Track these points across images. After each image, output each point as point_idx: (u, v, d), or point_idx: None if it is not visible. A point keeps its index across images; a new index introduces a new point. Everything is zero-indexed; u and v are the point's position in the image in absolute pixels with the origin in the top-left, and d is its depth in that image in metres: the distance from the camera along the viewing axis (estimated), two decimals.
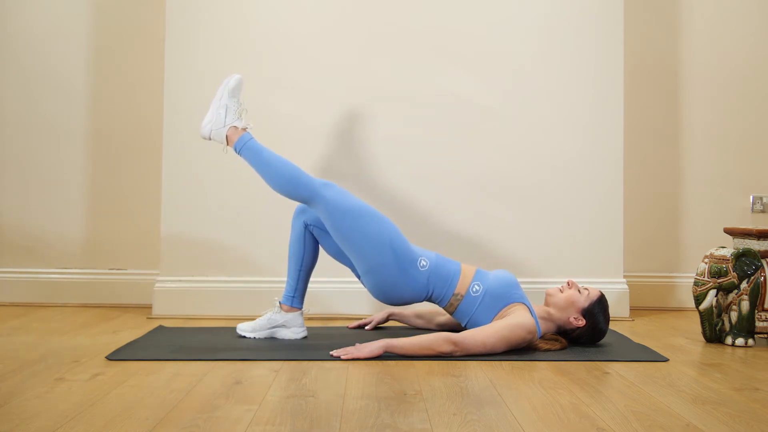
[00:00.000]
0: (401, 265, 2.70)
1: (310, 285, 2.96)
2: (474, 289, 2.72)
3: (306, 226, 2.89)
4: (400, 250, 2.71)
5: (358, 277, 2.82)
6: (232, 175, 3.47)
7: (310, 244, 2.90)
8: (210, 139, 2.85)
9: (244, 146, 2.79)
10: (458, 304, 2.73)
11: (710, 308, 2.89)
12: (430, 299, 2.78)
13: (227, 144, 2.84)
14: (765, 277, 2.86)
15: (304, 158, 3.49)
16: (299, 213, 2.91)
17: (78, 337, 2.87)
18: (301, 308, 2.90)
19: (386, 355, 2.53)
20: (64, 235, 3.77)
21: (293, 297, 2.89)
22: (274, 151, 2.83)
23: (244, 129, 2.83)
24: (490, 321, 2.68)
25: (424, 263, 2.74)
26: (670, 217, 3.89)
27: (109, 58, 3.78)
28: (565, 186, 3.54)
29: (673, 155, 3.89)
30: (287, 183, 2.77)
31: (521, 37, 3.55)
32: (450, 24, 3.53)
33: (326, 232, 2.87)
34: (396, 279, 2.70)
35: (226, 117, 2.80)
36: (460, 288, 2.73)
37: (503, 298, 2.69)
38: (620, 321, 3.44)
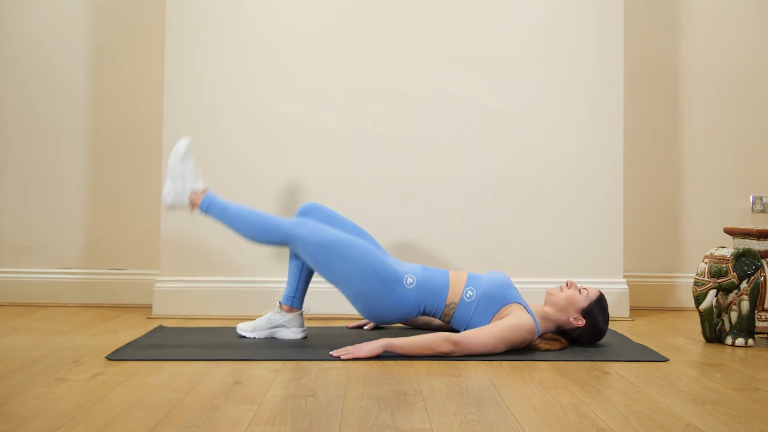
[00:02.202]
0: (387, 287, 2.70)
1: (310, 285, 2.96)
2: (467, 295, 2.71)
3: None
4: (383, 272, 2.71)
5: (350, 302, 2.82)
6: (231, 175, 3.47)
7: None
8: (174, 208, 2.87)
9: (209, 206, 2.83)
10: (453, 313, 2.72)
11: (710, 308, 2.89)
12: (424, 313, 2.77)
13: (192, 208, 2.85)
14: (765, 277, 2.86)
15: (304, 158, 3.50)
16: (301, 215, 2.91)
17: (78, 337, 2.87)
18: (301, 308, 2.90)
19: (386, 355, 2.53)
20: (64, 235, 3.77)
21: (293, 297, 2.89)
22: (238, 204, 2.87)
23: (205, 190, 2.85)
24: (488, 323, 2.67)
25: (411, 280, 2.73)
26: (670, 217, 3.89)
27: (109, 58, 3.78)
28: (565, 186, 3.54)
29: (673, 155, 3.89)
30: (260, 232, 2.80)
31: (521, 37, 3.55)
32: (450, 24, 3.53)
33: None
34: (384, 301, 2.70)
35: (184, 183, 2.83)
36: (453, 297, 2.72)
37: (498, 299, 2.69)
38: (620, 321, 3.44)
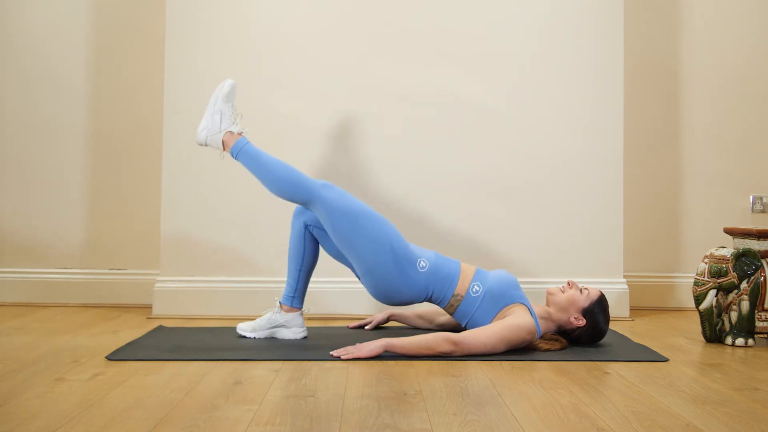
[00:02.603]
0: (400, 266, 2.70)
1: (310, 285, 2.96)
2: (474, 290, 2.71)
3: (306, 226, 2.88)
4: (400, 251, 2.71)
5: (358, 277, 2.82)
6: (231, 175, 3.47)
7: (310, 245, 2.89)
8: (206, 145, 2.84)
9: (240, 151, 2.78)
10: (458, 305, 2.72)
11: (710, 308, 2.89)
12: (430, 300, 2.77)
13: (224, 149, 2.83)
14: (765, 277, 2.86)
15: (304, 158, 3.50)
16: (299, 213, 2.91)
17: (78, 337, 2.87)
18: (301, 308, 2.90)
19: (386, 355, 2.53)
20: (64, 235, 3.77)
21: (293, 297, 2.89)
22: (271, 154, 2.83)
23: (240, 134, 2.81)
24: (490, 321, 2.68)
25: (424, 264, 2.73)
26: (670, 217, 3.89)
27: (109, 58, 3.78)
28: (565, 186, 3.54)
29: (673, 155, 3.89)
30: (286, 185, 2.77)
31: (521, 37, 3.55)
32: (450, 24, 3.53)
33: (326, 232, 2.87)
34: (395, 280, 2.70)
35: (221, 122, 2.79)
36: (460, 289, 2.73)
37: (503, 298, 2.69)
38: (620, 321, 3.44)
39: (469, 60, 3.53)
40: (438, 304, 2.78)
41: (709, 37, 3.88)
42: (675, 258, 3.88)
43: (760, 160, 3.89)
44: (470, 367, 2.41)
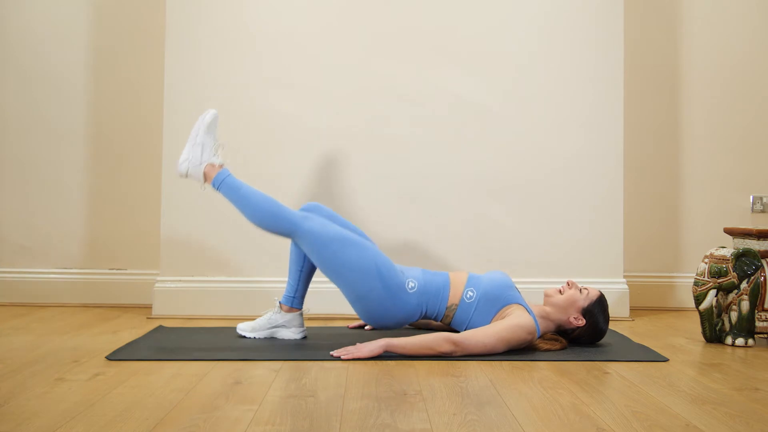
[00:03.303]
0: (390, 291, 2.68)
1: (310, 285, 2.96)
2: (468, 296, 2.71)
3: None
4: (388, 276, 2.68)
5: (350, 303, 2.79)
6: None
7: None
8: (187, 176, 2.80)
9: (222, 183, 2.74)
10: (454, 315, 2.72)
11: (710, 308, 2.89)
12: (425, 317, 2.76)
13: (205, 181, 2.78)
14: (765, 277, 2.86)
15: (303, 157, 3.50)
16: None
17: (78, 337, 2.86)
18: (301, 309, 2.90)
19: (386, 355, 2.53)
20: (64, 235, 3.77)
21: (293, 297, 2.89)
22: (251, 187, 2.79)
23: (221, 165, 2.77)
24: (488, 323, 2.67)
25: (412, 284, 2.71)
26: (670, 217, 3.89)
27: (109, 58, 3.78)
28: (565, 186, 3.54)
29: (673, 155, 3.89)
30: (267, 218, 2.74)
31: (521, 36, 3.55)
32: (450, 24, 3.53)
33: None
34: (386, 305, 2.68)
35: (202, 154, 2.74)
36: (453, 298, 2.71)
37: (499, 300, 2.69)
38: (620, 321, 3.44)
39: (469, 59, 3.53)
40: (434, 319, 2.77)
41: (709, 37, 3.88)
42: (675, 258, 3.88)
43: (760, 160, 3.89)
44: (470, 367, 2.41)
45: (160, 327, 3.08)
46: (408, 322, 2.77)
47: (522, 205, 3.53)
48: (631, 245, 3.75)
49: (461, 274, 2.79)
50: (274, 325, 2.88)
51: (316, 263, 2.75)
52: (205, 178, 2.76)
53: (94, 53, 3.79)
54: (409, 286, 2.70)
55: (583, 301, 2.73)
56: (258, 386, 2.14)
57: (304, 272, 2.89)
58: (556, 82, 3.55)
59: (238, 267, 3.49)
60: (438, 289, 2.73)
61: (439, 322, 3.08)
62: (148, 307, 3.61)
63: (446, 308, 2.71)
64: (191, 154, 2.75)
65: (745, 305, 2.84)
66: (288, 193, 3.48)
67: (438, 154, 3.52)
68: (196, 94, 3.46)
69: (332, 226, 2.74)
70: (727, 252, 2.90)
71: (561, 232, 3.53)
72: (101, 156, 3.79)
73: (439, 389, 2.13)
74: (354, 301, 2.73)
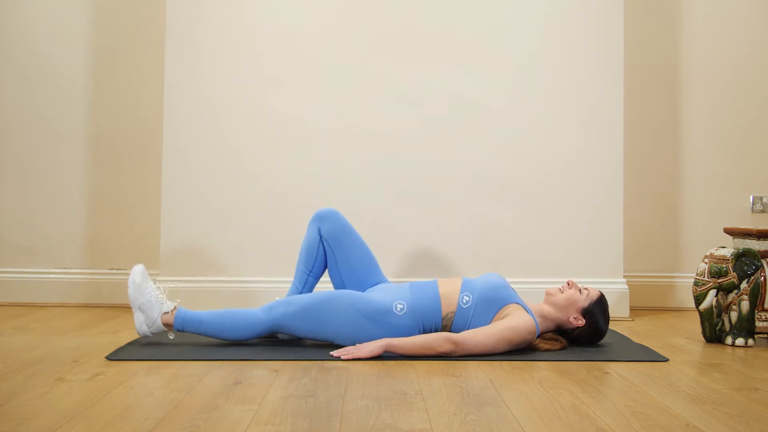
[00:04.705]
0: (378, 322, 2.65)
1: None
2: (464, 301, 2.69)
3: (321, 235, 2.88)
4: (371, 311, 2.65)
5: None
6: (231, 175, 3.48)
7: (323, 255, 2.90)
8: (152, 334, 2.74)
9: (183, 323, 2.70)
10: (452, 322, 2.70)
11: (710, 308, 2.89)
12: (424, 332, 2.72)
13: (169, 329, 2.73)
14: (765, 277, 2.86)
15: (303, 157, 3.50)
16: (316, 219, 2.90)
17: (78, 337, 2.86)
18: None
19: (386, 355, 2.53)
20: (64, 235, 3.77)
21: None
22: (209, 311, 2.75)
23: (175, 308, 2.72)
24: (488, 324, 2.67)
25: (400, 306, 2.68)
26: (670, 217, 3.89)
27: (109, 58, 3.78)
28: (565, 186, 3.54)
29: (673, 155, 3.89)
30: (242, 331, 2.70)
31: (521, 36, 3.55)
32: (450, 24, 3.53)
33: (337, 249, 2.87)
34: (382, 335, 2.66)
35: (152, 310, 2.70)
36: (448, 307, 2.69)
37: (496, 301, 2.68)
38: (620, 321, 3.44)
39: (469, 59, 3.53)
40: (433, 332, 2.75)
41: (709, 37, 3.88)
42: (675, 258, 3.88)
43: (760, 160, 3.89)
44: (470, 367, 2.41)
45: None
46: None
47: (522, 205, 3.53)
48: (631, 245, 3.75)
49: (454, 281, 2.76)
50: None
51: (306, 337, 2.72)
52: (167, 327, 2.71)
53: (94, 53, 3.79)
54: (397, 309, 2.67)
55: (583, 301, 2.73)
56: (258, 386, 2.14)
57: (313, 276, 2.90)
58: (556, 82, 3.55)
59: (238, 267, 3.48)
60: (429, 303, 2.69)
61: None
62: None
63: (442, 318, 2.69)
64: (143, 316, 2.71)
65: (745, 305, 2.84)
66: (288, 193, 3.48)
67: (438, 154, 3.52)
68: (196, 94, 3.46)
69: (295, 300, 2.70)
70: (727, 252, 2.90)
71: (561, 232, 3.53)
72: (101, 156, 3.79)
73: (439, 389, 2.13)
74: (354, 343, 2.67)
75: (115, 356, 2.49)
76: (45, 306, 3.68)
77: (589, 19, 3.56)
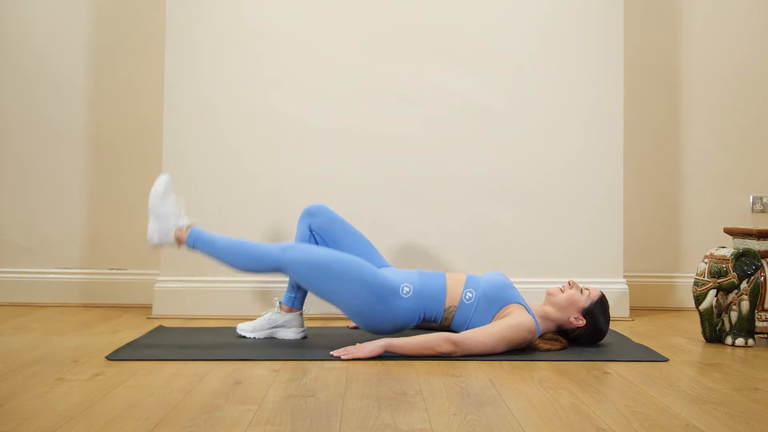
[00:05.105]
0: (383, 300, 2.68)
1: None
2: (467, 297, 2.70)
3: (311, 230, 2.89)
4: (378, 286, 2.68)
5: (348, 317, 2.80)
6: (231, 175, 3.47)
7: None
8: (160, 246, 2.79)
9: (195, 241, 2.74)
10: (453, 317, 2.71)
11: (710, 308, 2.89)
12: (424, 320, 2.74)
13: (179, 245, 2.78)
14: (765, 277, 2.86)
15: (303, 157, 3.50)
16: (305, 216, 2.91)
17: (78, 337, 2.87)
18: (301, 309, 2.90)
19: (386, 355, 2.53)
20: (64, 235, 3.77)
21: (294, 297, 2.89)
22: (224, 236, 2.79)
23: (190, 225, 2.76)
24: (489, 324, 2.67)
25: (407, 289, 2.71)
26: (670, 217, 3.89)
27: (109, 58, 3.78)
28: (565, 186, 3.54)
29: (673, 155, 3.89)
30: (249, 262, 2.74)
31: (521, 36, 3.55)
32: (450, 24, 3.53)
33: (330, 241, 2.88)
34: (383, 313, 2.68)
35: (168, 222, 2.74)
36: (451, 300, 2.71)
37: (498, 300, 2.68)
38: (620, 321, 3.44)
39: (469, 59, 3.53)
40: (433, 322, 2.76)
41: (709, 37, 3.88)
42: (675, 258, 3.88)
43: (760, 160, 3.89)
44: (470, 367, 2.41)
45: (160, 327, 3.08)
46: (408, 326, 2.76)
47: (522, 205, 3.53)
48: (631, 245, 3.75)
49: (459, 276, 2.78)
50: (274, 325, 2.88)
51: (306, 288, 2.76)
52: (179, 242, 2.76)
53: (94, 53, 3.79)
54: (404, 291, 2.70)
55: (584, 302, 2.73)
56: (258, 386, 2.14)
57: None
58: (556, 82, 3.55)
59: None
60: (435, 292, 2.72)
61: (438, 325, 3.08)
62: (148, 307, 3.61)
63: (444, 310, 2.71)
64: (157, 225, 2.74)
65: (745, 305, 2.84)
66: (288, 193, 3.48)
67: (438, 154, 3.52)
68: (196, 94, 3.46)
69: (312, 250, 2.74)
70: (727, 252, 2.90)
71: (561, 232, 3.53)
72: (101, 156, 3.79)
73: (439, 389, 2.13)
74: (352, 315, 2.74)
75: (115, 356, 2.49)
76: (45, 306, 3.68)
77: (589, 19, 3.56)
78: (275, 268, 2.74)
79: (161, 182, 2.78)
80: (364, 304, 2.68)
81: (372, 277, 2.69)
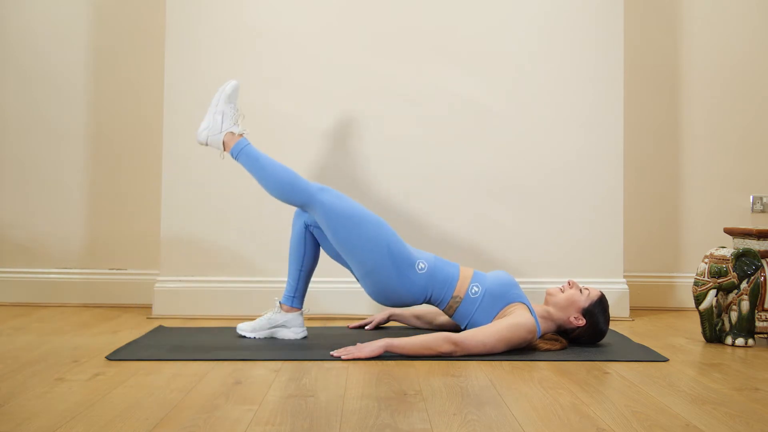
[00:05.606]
0: (399, 268, 2.70)
1: (310, 285, 2.96)
2: (473, 291, 2.71)
3: (306, 226, 2.89)
4: (398, 253, 2.71)
5: (357, 279, 2.82)
6: (232, 175, 3.47)
7: (311, 245, 2.90)
8: (207, 144, 2.84)
9: (240, 151, 2.79)
10: (457, 307, 2.72)
11: (710, 308, 2.89)
12: (429, 301, 2.77)
13: (224, 150, 2.83)
14: (765, 277, 2.86)
15: (304, 158, 3.50)
16: (300, 213, 2.91)
17: (78, 337, 2.87)
18: (301, 308, 2.90)
19: (386, 355, 2.53)
20: (64, 235, 3.77)
21: (293, 297, 2.89)
22: (270, 156, 2.83)
23: (241, 135, 2.82)
24: (490, 322, 2.68)
25: (422, 266, 2.74)
26: (670, 217, 3.89)
27: (109, 58, 3.78)
28: (565, 186, 3.54)
29: (673, 155, 3.89)
30: (284, 188, 2.77)
31: (521, 36, 3.55)
32: (450, 24, 3.53)
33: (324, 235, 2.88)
34: (394, 282, 2.70)
35: (222, 123, 2.79)
36: (459, 290, 2.73)
37: (502, 298, 2.69)
38: (620, 321, 3.44)
39: (469, 59, 3.53)
40: (437, 306, 2.78)
41: (709, 37, 3.88)
42: (675, 258, 3.88)
43: (760, 160, 3.89)
44: (470, 367, 2.41)
45: (160, 327, 3.08)
46: (413, 303, 2.77)
47: (522, 205, 3.53)
48: (631, 245, 3.75)
49: (468, 270, 2.80)
50: (274, 325, 2.88)
51: (327, 234, 2.77)
52: (225, 146, 2.81)
53: (94, 53, 3.79)
54: (419, 267, 2.73)
55: (584, 302, 2.73)
56: (258, 386, 2.14)
57: (304, 271, 2.89)
58: (556, 82, 3.55)
59: (238, 267, 3.48)
60: (447, 277, 2.74)
61: (441, 320, 3.08)
62: (148, 307, 3.61)
63: (451, 298, 2.72)
64: (211, 122, 2.80)
65: (745, 305, 2.84)
66: None
67: (438, 154, 3.52)
68: (196, 94, 3.46)
69: (348, 199, 2.78)
70: (727, 252, 2.90)
71: (561, 232, 3.53)
72: (101, 156, 3.79)
73: (439, 389, 2.13)
74: (362, 276, 2.74)
75: (115, 356, 2.49)
76: (45, 306, 3.68)
77: (589, 19, 3.56)
78: (304, 203, 2.76)
79: (231, 84, 2.85)
80: (379, 267, 2.69)
81: (395, 245, 2.72)
